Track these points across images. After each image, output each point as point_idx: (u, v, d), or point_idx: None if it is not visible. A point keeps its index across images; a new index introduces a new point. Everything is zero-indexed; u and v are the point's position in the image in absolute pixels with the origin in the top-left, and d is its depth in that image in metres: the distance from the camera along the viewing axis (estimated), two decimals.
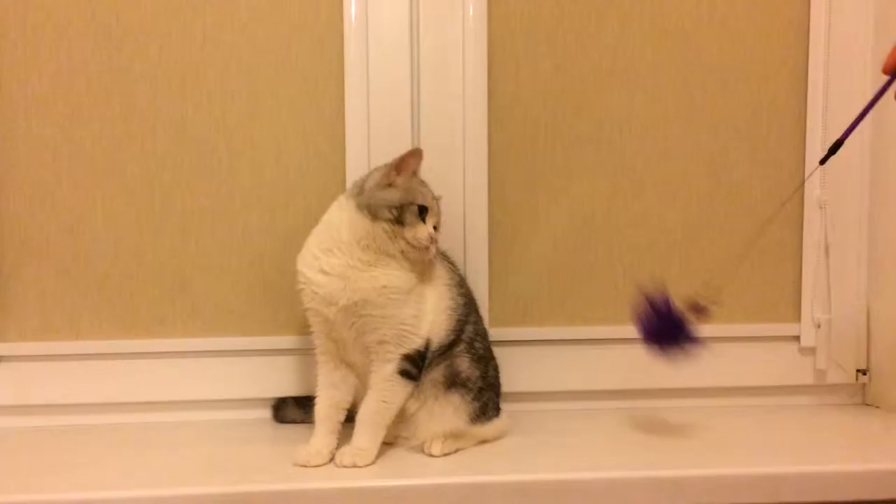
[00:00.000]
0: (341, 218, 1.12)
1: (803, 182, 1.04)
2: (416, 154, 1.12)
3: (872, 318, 1.37)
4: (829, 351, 1.37)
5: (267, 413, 1.31)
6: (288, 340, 1.31)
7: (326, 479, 1.03)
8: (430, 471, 1.06)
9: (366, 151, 1.29)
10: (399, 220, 1.09)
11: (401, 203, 1.09)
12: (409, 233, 1.09)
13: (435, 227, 1.13)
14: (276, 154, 1.30)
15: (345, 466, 1.06)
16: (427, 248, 1.11)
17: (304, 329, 1.30)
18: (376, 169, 1.14)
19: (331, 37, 1.29)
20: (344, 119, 1.29)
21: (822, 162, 1.09)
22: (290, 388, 1.30)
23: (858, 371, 1.38)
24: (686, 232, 1.36)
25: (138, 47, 1.28)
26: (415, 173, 1.14)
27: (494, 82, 1.31)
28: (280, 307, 1.31)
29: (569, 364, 1.35)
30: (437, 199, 1.15)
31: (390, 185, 1.11)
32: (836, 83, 1.34)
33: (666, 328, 1.11)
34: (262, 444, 1.19)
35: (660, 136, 1.35)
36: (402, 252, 1.10)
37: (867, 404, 1.39)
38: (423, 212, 1.11)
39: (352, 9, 1.28)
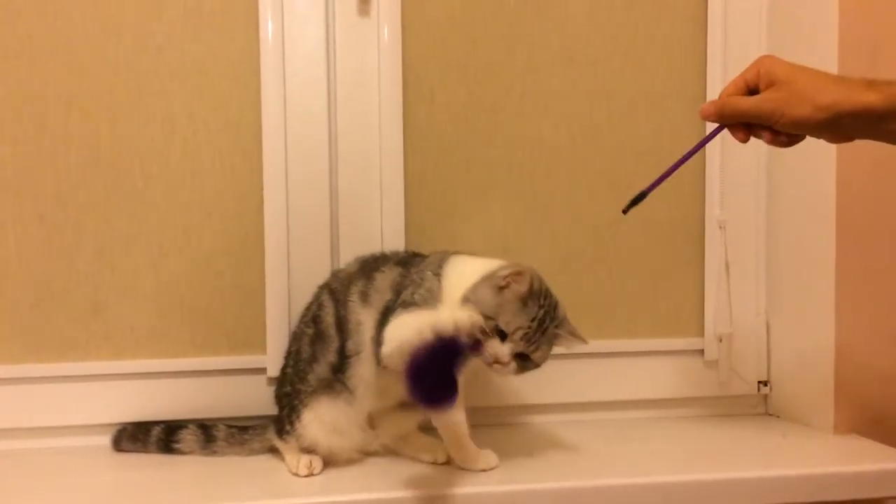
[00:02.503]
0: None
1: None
2: (526, 276, 1.05)
3: (772, 332, 1.44)
4: (731, 364, 1.42)
5: None
6: (206, 362, 1.31)
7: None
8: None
9: (283, 173, 1.31)
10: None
11: (485, 312, 1.04)
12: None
13: (523, 357, 1.07)
14: (191, 176, 1.30)
15: (492, 468, 1.13)
16: (490, 364, 1.06)
17: (222, 350, 1.32)
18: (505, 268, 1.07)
19: (247, 60, 1.30)
20: (261, 141, 1.30)
21: (625, 212, 1.04)
22: (209, 410, 1.29)
23: (760, 382, 1.44)
24: (595, 251, 1.41)
25: (51, 70, 1.27)
26: (524, 295, 1.06)
27: (409, 106, 1.34)
28: (197, 329, 1.31)
29: (476, 381, 1.34)
30: (548, 332, 1.07)
31: (499, 289, 1.06)
32: None
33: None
34: (190, 466, 1.19)
35: (568, 159, 1.40)
36: (473, 356, 1.06)
37: (769, 414, 1.45)
38: (501, 333, 1.06)
39: (268, 32, 1.30)
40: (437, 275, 1.11)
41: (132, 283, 1.30)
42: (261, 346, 1.30)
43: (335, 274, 1.23)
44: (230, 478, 1.13)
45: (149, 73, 1.29)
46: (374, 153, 1.33)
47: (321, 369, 1.15)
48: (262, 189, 1.31)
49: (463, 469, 1.13)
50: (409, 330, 0.98)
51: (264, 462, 1.19)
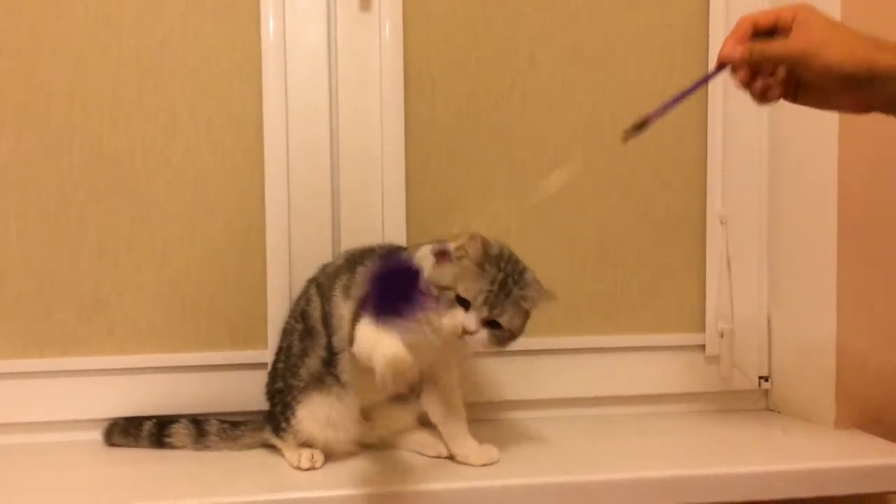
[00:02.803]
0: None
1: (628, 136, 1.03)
2: (476, 241, 1.05)
3: (773, 327, 1.44)
4: (732, 359, 1.43)
5: None
6: (208, 357, 1.31)
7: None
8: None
9: (285, 169, 1.31)
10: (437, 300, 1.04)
11: (440, 284, 1.04)
12: (435, 319, 1.04)
13: (492, 324, 1.05)
14: (194, 173, 1.31)
15: (493, 462, 1.12)
16: (459, 337, 1.04)
17: (223, 345, 1.32)
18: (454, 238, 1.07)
19: (249, 57, 1.31)
20: (262, 138, 1.31)
21: (625, 141, 1.03)
22: (211, 405, 1.30)
23: (761, 378, 1.44)
24: (597, 247, 1.41)
25: (54, 66, 1.27)
26: (479, 261, 1.05)
27: (411, 103, 1.34)
28: (199, 324, 1.32)
29: (476, 376, 1.37)
30: (513, 296, 1.05)
31: (450, 260, 1.06)
32: (733, 106, 1.41)
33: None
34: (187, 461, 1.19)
35: (570, 154, 1.40)
36: (440, 336, 1.06)
37: (770, 409, 1.45)
38: (463, 303, 1.04)
39: (269, 29, 1.30)
40: None
41: (135, 279, 1.30)
42: (262, 342, 1.30)
43: (323, 268, 1.23)
44: (236, 473, 1.14)
45: (151, 70, 1.30)
46: (376, 149, 1.34)
47: (312, 364, 1.15)
48: (263, 185, 1.31)
49: (465, 464, 1.13)
50: (365, 346, 0.99)
51: (265, 457, 1.20)
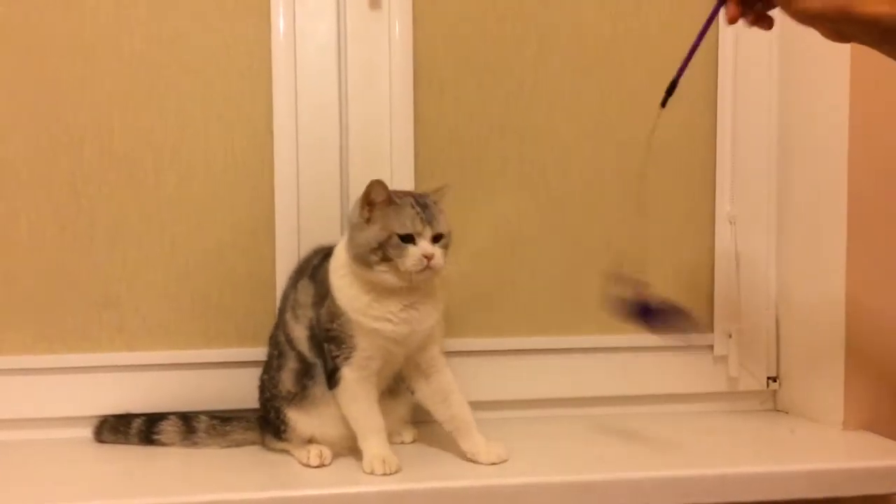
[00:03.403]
0: (353, 270, 1.09)
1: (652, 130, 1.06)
2: (374, 185, 1.08)
3: (781, 328, 1.43)
4: (740, 359, 1.42)
5: None
6: (217, 353, 1.32)
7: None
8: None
9: (294, 167, 1.31)
10: (386, 258, 1.06)
11: (378, 242, 1.06)
12: (401, 266, 1.06)
13: (436, 238, 1.09)
14: (203, 169, 1.31)
15: (502, 461, 1.13)
16: (425, 269, 1.07)
17: (232, 342, 1.32)
18: (354, 207, 1.12)
19: (259, 54, 1.31)
20: (272, 134, 1.31)
21: (663, 105, 1.10)
22: (220, 401, 1.30)
23: (769, 378, 1.44)
24: (604, 245, 1.41)
25: (65, 61, 1.28)
26: (389, 201, 1.08)
27: (420, 100, 1.35)
28: (210, 321, 1.32)
29: (487, 374, 1.38)
30: (429, 204, 1.10)
31: (368, 222, 1.08)
32: (743, 105, 1.41)
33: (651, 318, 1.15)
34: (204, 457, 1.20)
35: (579, 153, 1.40)
36: (413, 281, 1.08)
37: (778, 410, 1.45)
38: (407, 239, 1.07)
39: (279, 27, 1.30)
40: (325, 288, 1.13)
41: (144, 275, 1.31)
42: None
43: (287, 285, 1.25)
44: (243, 470, 1.14)
45: (161, 66, 1.30)
46: (385, 146, 1.34)
47: (289, 378, 1.17)
48: (273, 182, 1.32)
49: (474, 462, 1.13)
50: (349, 416, 1.12)
51: (263, 454, 1.21)
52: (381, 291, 1.08)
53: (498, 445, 1.14)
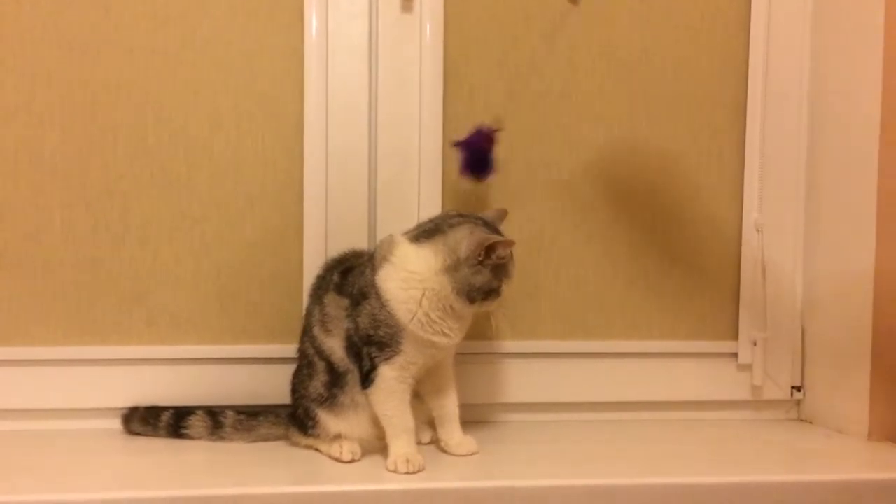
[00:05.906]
0: (447, 295, 1.13)
1: None
2: (504, 245, 1.13)
3: (807, 337, 1.43)
4: (765, 368, 1.42)
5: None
6: (245, 350, 1.33)
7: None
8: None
9: (324, 167, 1.33)
10: (487, 298, 1.14)
11: (490, 287, 1.13)
12: (491, 304, 1.15)
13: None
14: (234, 167, 1.33)
15: (472, 454, 1.19)
16: None
17: (259, 338, 1.34)
18: (464, 237, 1.13)
19: (291, 55, 1.33)
20: (303, 135, 1.33)
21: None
22: (246, 397, 1.32)
23: (793, 388, 1.43)
24: (631, 252, 1.41)
25: (101, 60, 1.30)
26: (510, 256, 1.16)
27: (449, 104, 1.35)
28: (237, 317, 1.34)
29: (513, 377, 1.38)
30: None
31: (481, 264, 1.12)
32: (772, 114, 1.41)
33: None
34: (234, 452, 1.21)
35: (606, 159, 1.40)
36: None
37: (801, 420, 1.44)
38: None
39: (312, 28, 1.32)
40: (360, 299, 1.15)
41: (174, 271, 1.33)
42: (298, 336, 1.31)
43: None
44: (269, 466, 1.15)
45: (196, 65, 1.32)
46: (414, 148, 1.35)
47: (319, 385, 1.19)
48: (302, 181, 1.33)
49: (445, 452, 1.20)
50: (380, 414, 1.15)
51: (296, 450, 1.22)
52: (450, 312, 1.14)
53: (470, 440, 1.20)
